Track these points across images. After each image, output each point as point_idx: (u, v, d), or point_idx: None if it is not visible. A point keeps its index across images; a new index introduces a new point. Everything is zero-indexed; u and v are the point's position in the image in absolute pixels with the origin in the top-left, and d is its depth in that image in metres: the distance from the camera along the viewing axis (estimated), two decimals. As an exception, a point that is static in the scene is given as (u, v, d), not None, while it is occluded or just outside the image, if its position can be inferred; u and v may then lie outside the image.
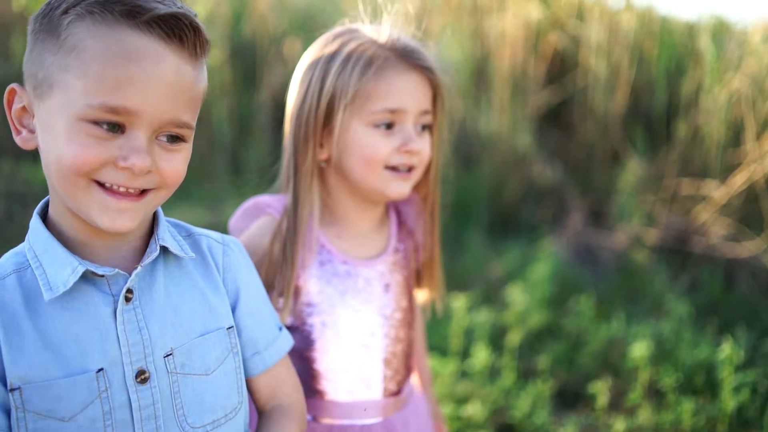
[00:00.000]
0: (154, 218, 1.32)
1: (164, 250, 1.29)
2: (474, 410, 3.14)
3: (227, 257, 1.40)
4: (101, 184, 1.16)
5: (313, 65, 1.72)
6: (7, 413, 1.16)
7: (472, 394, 3.34)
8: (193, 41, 1.19)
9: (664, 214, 4.83)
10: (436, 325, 3.67)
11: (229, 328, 1.36)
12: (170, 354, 1.25)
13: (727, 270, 4.41)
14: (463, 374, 3.49)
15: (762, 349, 3.44)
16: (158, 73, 1.14)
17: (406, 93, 1.69)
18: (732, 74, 4.74)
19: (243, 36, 6.60)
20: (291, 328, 1.72)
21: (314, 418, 1.75)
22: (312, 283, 1.73)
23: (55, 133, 1.14)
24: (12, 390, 1.15)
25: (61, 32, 1.13)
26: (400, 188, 1.73)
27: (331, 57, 1.69)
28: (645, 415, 3.15)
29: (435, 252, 1.91)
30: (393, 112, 1.69)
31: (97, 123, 1.12)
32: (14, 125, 1.22)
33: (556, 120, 5.79)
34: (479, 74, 5.74)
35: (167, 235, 1.30)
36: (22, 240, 1.27)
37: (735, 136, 4.79)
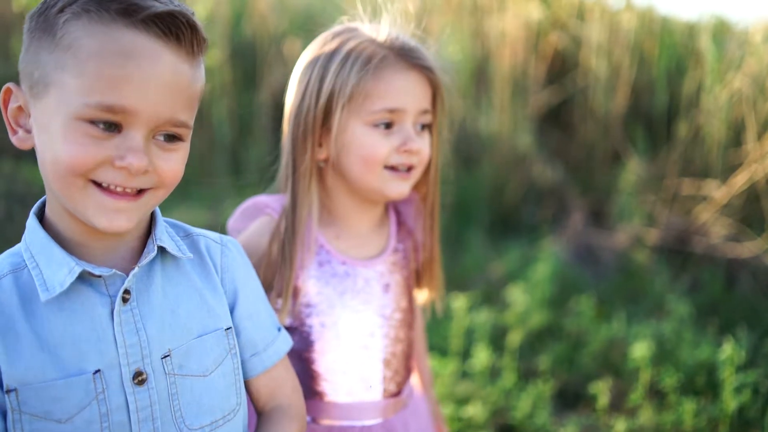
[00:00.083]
0: (152, 218, 1.31)
1: (162, 250, 1.28)
2: (474, 411, 3.13)
3: (225, 258, 1.39)
4: (98, 184, 1.15)
5: (312, 64, 1.71)
6: (3, 415, 1.15)
7: (473, 394, 3.33)
8: (190, 39, 1.18)
9: (665, 214, 4.83)
10: (437, 326, 3.66)
11: (228, 329, 1.35)
12: (168, 355, 1.24)
13: (728, 270, 4.40)
14: (464, 375, 3.48)
15: (763, 350, 3.43)
16: (155, 72, 1.13)
17: (406, 92, 1.68)
18: (733, 74, 4.74)
19: (243, 36, 6.59)
20: (290, 329, 1.71)
21: (314, 420, 1.75)
22: (311, 284, 1.72)
23: (52, 132, 1.13)
24: (8, 392, 1.14)
25: (57, 31, 1.12)
26: (399, 188, 1.72)
27: (330, 56, 1.68)
28: (646, 416, 3.14)
29: (435, 252, 1.90)
30: (392, 111, 1.68)
31: (93, 122, 1.12)
32: (10, 125, 1.21)
33: (557, 120, 5.79)
34: (479, 74, 5.73)
35: (165, 235, 1.29)
36: (22, 240, 1.26)
37: (736, 136, 4.78)
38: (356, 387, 1.76)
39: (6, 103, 1.21)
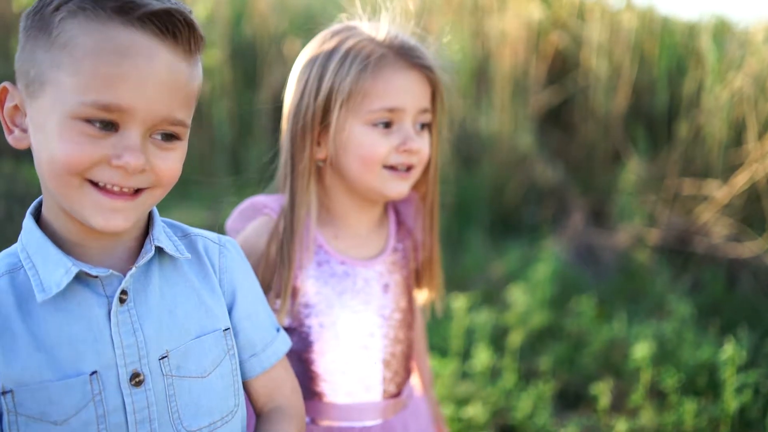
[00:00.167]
0: (150, 218, 1.30)
1: (159, 250, 1.27)
2: (475, 411, 3.12)
3: (224, 258, 1.38)
4: (95, 184, 1.14)
5: (311, 63, 1.70)
6: (-1, 417, 1.15)
7: (473, 395, 3.32)
8: (187, 37, 1.17)
9: (666, 214, 4.82)
10: (437, 326, 3.65)
11: (226, 329, 1.34)
12: (165, 356, 1.23)
13: (729, 270, 4.40)
14: (464, 375, 3.48)
15: (764, 350, 3.42)
16: (152, 70, 1.12)
17: (405, 91, 1.67)
18: (733, 74, 4.74)
19: (243, 36, 6.59)
20: (289, 330, 1.71)
21: (313, 420, 1.74)
22: (309, 284, 1.71)
23: (47, 131, 1.12)
24: (4, 393, 1.13)
25: (53, 29, 1.11)
26: (398, 188, 1.71)
27: (329, 54, 1.68)
28: (647, 416, 3.13)
29: (434, 252, 1.89)
30: (391, 110, 1.67)
31: (89, 121, 1.11)
32: (6, 124, 1.20)
33: (557, 120, 5.79)
34: (480, 74, 5.73)
35: (162, 235, 1.28)
36: (21, 241, 1.25)
37: (737, 136, 4.78)
38: (356, 388, 1.75)
39: (2, 102, 1.20)
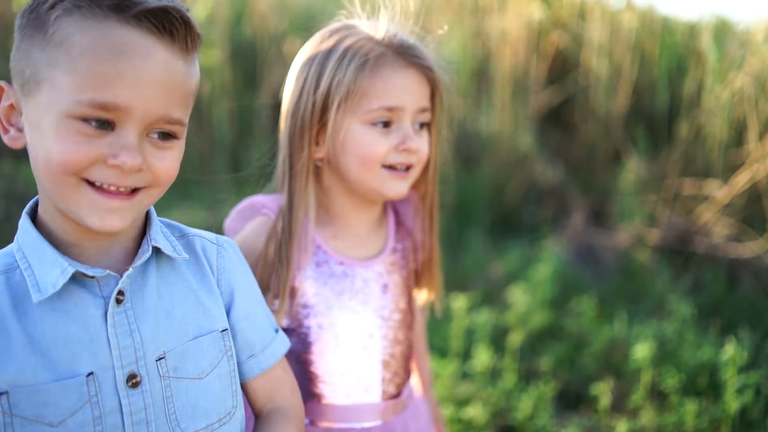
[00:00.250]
0: (147, 218, 1.29)
1: (157, 251, 1.26)
2: (475, 412, 3.12)
3: (222, 258, 1.37)
4: (91, 183, 1.13)
5: (309, 62, 1.69)
6: (-6, 418, 1.13)
7: (473, 395, 3.31)
8: (184, 35, 1.16)
9: (666, 214, 4.81)
10: (437, 326, 3.65)
11: (224, 330, 1.33)
12: (162, 357, 1.22)
13: (730, 270, 4.39)
14: (464, 376, 3.47)
15: (765, 350, 3.42)
16: (148, 68, 1.11)
17: (404, 90, 1.66)
18: (734, 74, 4.73)
19: (243, 36, 6.58)
20: (288, 330, 1.70)
21: (312, 422, 1.73)
22: (308, 285, 1.70)
23: (43, 130, 1.11)
24: (-1, 394, 1.12)
25: (49, 28, 1.10)
26: (397, 187, 1.70)
27: (328, 53, 1.67)
28: (647, 417, 3.12)
29: (434, 252, 1.88)
30: (390, 110, 1.66)
31: (86, 120, 1.10)
32: (2, 123, 1.19)
33: (558, 120, 5.78)
34: (480, 74, 5.72)
35: (160, 235, 1.27)
36: (20, 240, 1.24)
37: (737, 136, 4.78)
38: (355, 389, 1.74)
39: None
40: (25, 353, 1.13)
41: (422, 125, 1.74)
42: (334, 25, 1.74)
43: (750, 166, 4.47)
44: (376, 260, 1.78)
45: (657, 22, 5.56)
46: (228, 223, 1.77)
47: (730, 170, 4.66)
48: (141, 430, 1.19)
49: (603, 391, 3.14)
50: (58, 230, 1.20)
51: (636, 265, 4.57)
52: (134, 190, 1.17)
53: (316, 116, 1.67)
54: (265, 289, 1.63)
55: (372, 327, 1.75)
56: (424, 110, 1.71)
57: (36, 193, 1.24)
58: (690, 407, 3.05)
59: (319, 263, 1.72)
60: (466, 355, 3.55)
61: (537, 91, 5.60)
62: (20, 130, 1.17)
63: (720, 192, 4.57)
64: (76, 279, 1.17)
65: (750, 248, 4.36)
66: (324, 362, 1.71)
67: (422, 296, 1.94)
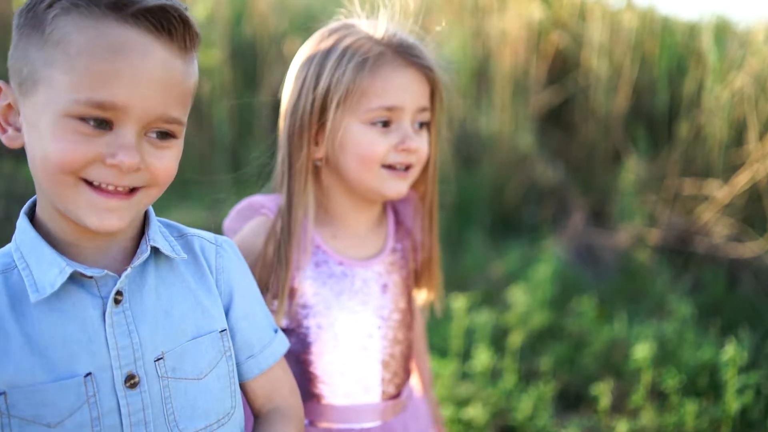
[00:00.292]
0: (145, 218, 1.28)
1: (155, 251, 1.25)
2: (475, 412, 3.11)
3: (220, 258, 1.37)
4: (89, 183, 1.12)
5: (309, 61, 1.69)
6: (-8, 419, 1.13)
7: (473, 396, 3.31)
8: (182, 34, 1.15)
9: (666, 214, 4.81)
10: (437, 326, 3.64)
11: (222, 331, 1.32)
12: (161, 358, 1.22)
13: (730, 270, 4.39)
14: (464, 376, 3.46)
15: (766, 350, 3.41)
16: (146, 67, 1.11)
17: (403, 90, 1.66)
18: (734, 74, 4.72)
19: (243, 36, 6.58)
20: (287, 331, 1.69)
21: (311, 422, 1.72)
22: (307, 285, 1.70)
23: (41, 130, 1.11)
24: (-3, 395, 1.12)
25: (46, 26, 1.10)
26: (397, 187, 1.70)
27: (327, 53, 1.66)
28: (648, 417, 3.12)
29: (434, 251, 1.88)
30: (390, 109, 1.65)
31: (83, 119, 1.09)
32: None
33: (558, 120, 5.78)
34: (480, 74, 5.72)
35: (158, 235, 1.27)
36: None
37: (737, 136, 4.77)
38: (354, 389, 1.73)
39: None
40: (23, 353, 1.13)
41: (422, 125, 1.73)
42: (333, 24, 1.73)
43: (750, 166, 4.46)
44: (376, 260, 1.77)
45: (657, 22, 5.56)
46: (227, 223, 1.77)
47: (730, 170, 4.65)
48: (139, 430, 1.19)
49: (603, 392, 3.14)
50: (56, 230, 1.20)
51: (636, 265, 4.57)
52: (132, 190, 1.16)
53: (315, 116, 1.66)
54: (264, 289, 1.63)
55: (371, 327, 1.74)
56: (423, 110, 1.71)
57: (35, 193, 1.24)
58: (690, 407, 3.05)
59: (318, 263, 1.71)
60: (466, 355, 3.55)
61: (537, 91, 5.60)
62: (18, 129, 1.17)
63: (720, 192, 4.57)
64: (74, 279, 1.17)
65: (750, 248, 4.35)
66: (323, 362, 1.71)
67: (422, 296, 1.93)
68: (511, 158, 5.49)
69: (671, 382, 3.16)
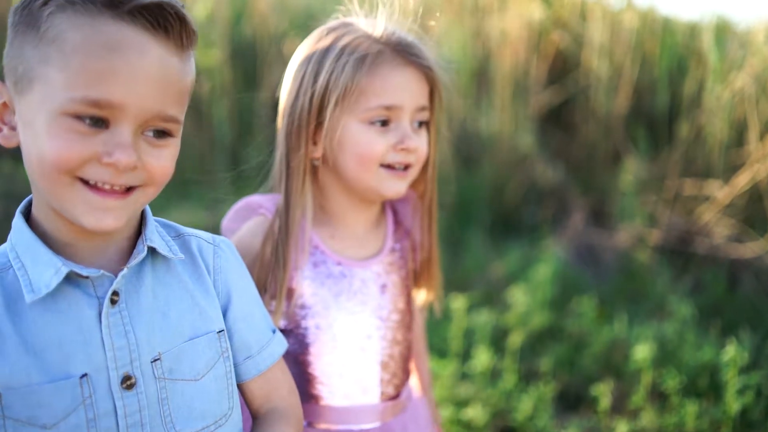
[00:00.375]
0: (142, 218, 1.27)
1: (152, 251, 1.24)
2: (475, 413, 3.11)
3: (218, 258, 1.36)
4: (85, 182, 1.11)
5: (307, 60, 1.68)
6: (-13, 420, 1.12)
7: (473, 396, 3.30)
8: (179, 32, 1.14)
9: (667, 215, 4.80)
10: (436, 327, 3.63)
11: (220, 331, 1.31)
12: (158, 359, 1.21)
13: (731, 271, 4.38)
14: (464, 376, 3.46)
15: (766, 351, 3.41)
16: (143, 65, 1.10)
17: (402, 89, 1.65)
18: (735, 74, 4.72)
19: (243, 36, 6.57)
20: (285, 331, 1.68)
21: (310, 424, 1.71)
22: (305, 285, 1.69)
23: (36, 128, 1.10)
24: (-9, 396, 1.11)
25: (41, 24, 1.09)
26: (396, 187, 1.69)
27: (325, 52, 1.65)
28: (648, 418, 3.11)
29: (433, 251, 1.87)
30: (388, 108, 1.64)
31: (79, 117, 1.08)
32: None
33: (558, 120, 5.77)
34: (480, 74, 5.71)
35: (155, 235, 1.26)
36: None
37: (738, 136, 4.77)
38: (353, 390, 1.73)
39: None
40: (18, 354, 1.12)
41: (421, 124, 1.72)
42: (331, 22, 1.73)
43: (751, 167, 4.46)
44: (375, 260, 1.76)
45: (657, 22, 5.55)
46: (225, 222, 1.76)
47: (730, 170, 4.65)
48: (136, 432, 1.18)
49: (603, 392, 3.13)
50: (52, 230, 1.19)
51: (636, 266, 4.56)
52: (129, 189, 1.15)
53: (314, 115, 1.65)
54: (262, 289, 1.62)
55: (370, 328, 1.73)
56: (422, 109, 1.70)
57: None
58: (690, 408, 3.04)
59: (316, 263, 1.70)
60: (465, 355, 3.54)
61: (537, 91, 5.59)
62: (13, 128, 1.16)
63: (720, 192, 4.56)
64: (70, 279, 1.16)
65: (751, 249, 4.35)
66: (322, 363, 1.70)
67: (421, 296, 1.93)
68: (511, 158, 5.48)
69: (671, 382, 3.15)
